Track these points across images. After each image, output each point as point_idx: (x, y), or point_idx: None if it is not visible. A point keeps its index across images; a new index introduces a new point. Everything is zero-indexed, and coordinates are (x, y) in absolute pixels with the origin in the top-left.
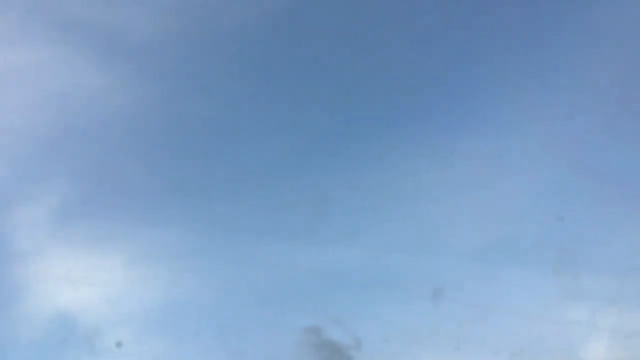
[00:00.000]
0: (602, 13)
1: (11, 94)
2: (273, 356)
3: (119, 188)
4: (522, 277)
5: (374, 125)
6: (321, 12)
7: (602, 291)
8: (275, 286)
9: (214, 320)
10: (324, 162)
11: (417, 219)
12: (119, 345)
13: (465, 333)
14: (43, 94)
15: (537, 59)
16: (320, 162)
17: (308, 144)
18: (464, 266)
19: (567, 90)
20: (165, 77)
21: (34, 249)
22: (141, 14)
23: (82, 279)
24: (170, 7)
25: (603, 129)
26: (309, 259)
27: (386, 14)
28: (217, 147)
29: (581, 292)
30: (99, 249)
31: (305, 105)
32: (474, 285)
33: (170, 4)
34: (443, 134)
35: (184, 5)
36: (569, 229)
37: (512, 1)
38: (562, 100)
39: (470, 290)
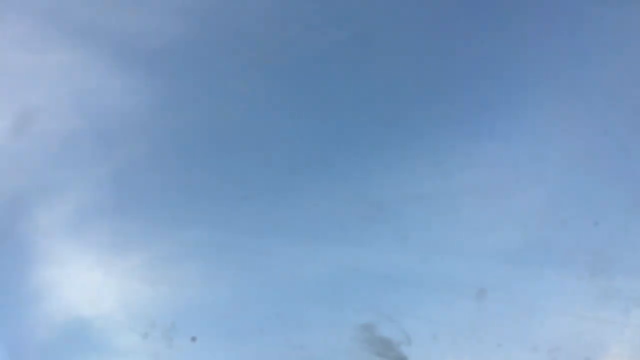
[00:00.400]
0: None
1: (28, 97)
2: (330, 350)
3: (138, 190)
4: (560, 279)
5: (423, 135)
6: (341, 13)
7: (635, 292)
8: (333, 286)
9: (275, 316)
10: (379, 172)
11: (462, 223)
12: (193, 339)
13: (506, 331)
14: (60, 97)
15: (574, 75)
16: (376, 172)
17: (362, 154)
18: (505, 268)
19: (604, 104)
20: (182, 80)
21: (73, 251)
22: (157, 18)
23: (160, 280)
24: (186, 11)
25: (638, 143)
26: (363, 261)
27: (415, 16)
28: (256, 148)
29: (615, 293)
30: (142, 249)
31: (356, 112)
32: (514, 286)
33: (186, 9)
34: (486, 142)
35: (200, 10)
36: (604, 234)
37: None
38: (598, 113)
39: (511, 290)
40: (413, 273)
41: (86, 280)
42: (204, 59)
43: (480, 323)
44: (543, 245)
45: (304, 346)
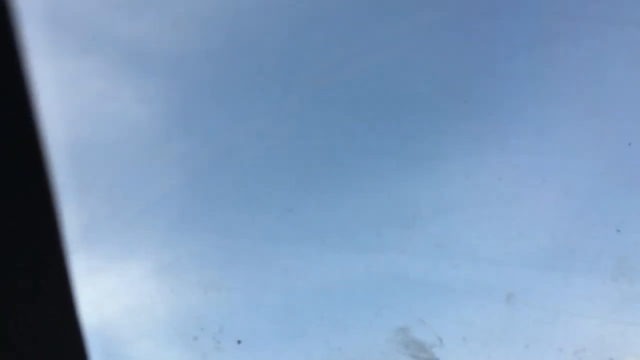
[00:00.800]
0: None
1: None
2: (367, 352)
3: (189, 200)
4: (585, 283)
5: (455, 148)
6: (377, 40)
7: None
8: (370, 291)
9: (316, 321)
10: (414, 183)
11: (492, 231)
12: (239, 342)
13: (533, 333)
14: (68, 106)
15: (597, 93)
16: (411, 183)
17: (399, 167)
18: (533, 273)
19: (627, 118)
20: (192, 90)
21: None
22: (168, 27)
23: (210, 285)
24: (198, 21)
25: None
26: (399, 267)
27: (446, 40)
28: (294, 160)
29: (637, 296)
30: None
31: (395, 127)
32: (541, 290)
33: (197, 18)
34: (514, 155)
35: (211, 20)
36: (627, 241)
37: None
38: (621, 127)
39: (538, 294)
40: (445, 278)
41: (141, 288)
42: (220, 69)
43: (508, 326)
44: (569, 252)
45: (342, 348)
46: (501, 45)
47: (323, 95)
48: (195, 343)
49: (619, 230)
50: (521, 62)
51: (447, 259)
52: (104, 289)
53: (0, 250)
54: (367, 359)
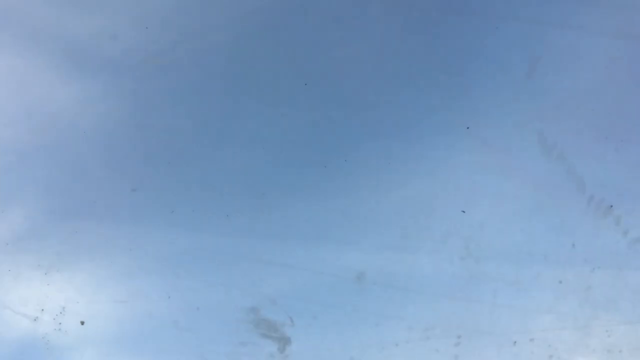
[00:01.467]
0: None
1: None
2: (217, 332)
3: (91, 203)
4: (433, 263)
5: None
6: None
7: (502, 274)
8: (220, 272)
9: (164, 301)
10: (260, 168)
11: (342, 213)
12: (82, 323)
13: (384, 311)
14: (9, 107)
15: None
16: (258, 167)
17: (313, 157)
18: (382, 254)
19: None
20: (142, 90)
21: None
22: (116, 24)
23: (55, 266)
24: (149, 19)
25: (512, 139)
26: (248, 249)
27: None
28: (203, 163)
29: (483, 275)
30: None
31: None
32: (391, 270)
33: (149, 16)
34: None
35: (163, 17)
36: (472, 221)
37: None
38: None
39: (388, 274)
40: (295, 259)
41: None
42: (171, 68)
43: (359, 304)
44: (417, 233)
45: (192, 329)
46: (427, 54)
47: (245, 103)
48: (35, 324)
49: (464, 211)
50: (445, 68)
51: (298, 241)
52: None
53: None
54: (218, 339)
